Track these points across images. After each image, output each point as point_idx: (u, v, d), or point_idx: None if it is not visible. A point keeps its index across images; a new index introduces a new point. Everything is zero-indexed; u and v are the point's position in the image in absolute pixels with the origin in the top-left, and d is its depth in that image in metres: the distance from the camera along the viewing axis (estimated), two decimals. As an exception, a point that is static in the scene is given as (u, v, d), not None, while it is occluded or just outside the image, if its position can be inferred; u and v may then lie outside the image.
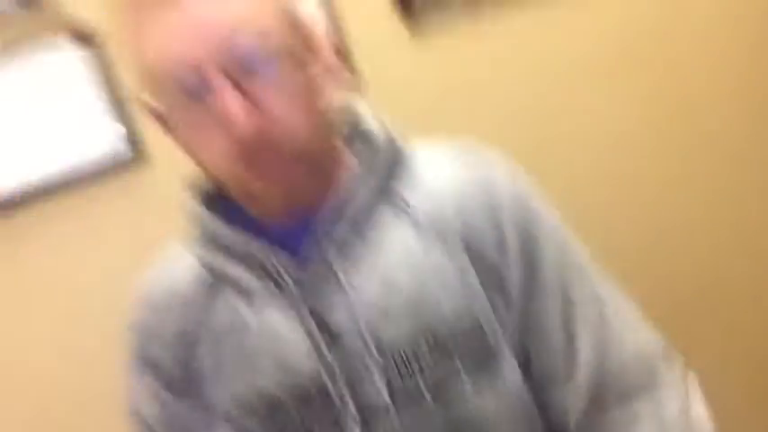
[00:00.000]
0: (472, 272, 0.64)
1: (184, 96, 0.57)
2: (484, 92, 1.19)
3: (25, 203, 1.10)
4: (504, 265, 0.65)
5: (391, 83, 1.15)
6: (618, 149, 1.27)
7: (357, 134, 0.69)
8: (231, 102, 0.55)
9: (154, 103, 0.62)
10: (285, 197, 0.61)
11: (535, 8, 1.20)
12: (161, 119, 0.64)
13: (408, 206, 0.65)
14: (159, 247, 0.73)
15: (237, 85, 0.56)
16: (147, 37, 0.58)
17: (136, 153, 1.11)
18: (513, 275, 0.65)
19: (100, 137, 1.10)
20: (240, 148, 0.57)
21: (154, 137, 0.97)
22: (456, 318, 0.63)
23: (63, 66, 1.08)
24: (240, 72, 0.56)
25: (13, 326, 1.13)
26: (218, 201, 0.68)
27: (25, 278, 1.13)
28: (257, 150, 0.57)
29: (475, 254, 0.65)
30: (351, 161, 0.68)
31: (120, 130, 1.10)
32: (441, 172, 0.67)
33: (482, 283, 0.64)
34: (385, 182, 0.66)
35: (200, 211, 0.68)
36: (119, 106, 1.09)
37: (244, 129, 0.55)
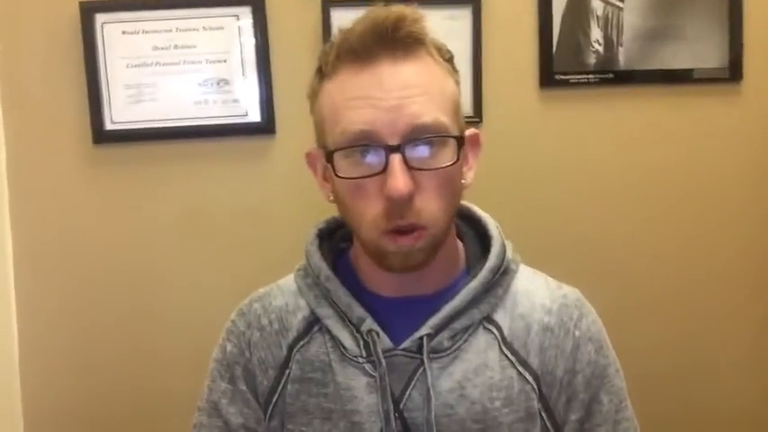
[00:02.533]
0: (534, 395, 0.70)
1: (358, 154, 0.65)
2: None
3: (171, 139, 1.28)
4: (566, 407, 0.72)
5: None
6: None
7: (471, 223, 0.78)
8: (397, 169, 0.63)
9: (330, 160, 0.68)
10: (403, 259, 0.67)
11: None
12: (324, 168, 0.71)
13: (498, 326, 0.72)
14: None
15: (405, 157, 0.63)
16: (339, 88, 0.66)
17: (268, 123, 1.28)
18: (571, 417, 0.72)
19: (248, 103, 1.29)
20: (389, 205, 0.64)
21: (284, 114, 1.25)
22: None
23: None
24: (410, 146, 0.64)
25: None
26: (338, 256, 0.77)
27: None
28: (401, 211, 0.64)
29: (543, 383, 0.71)
30: (455, 240, 0.76)
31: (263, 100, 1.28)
32: (536, 299, 0.74)
33: (541, 410, 0.71)
34: (487, 296, 0.72)
35: (318, 259, 0.75)
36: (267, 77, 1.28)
37: (400, 191, 0.62)
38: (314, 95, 0.71)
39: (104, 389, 1.29)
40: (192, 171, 1.29)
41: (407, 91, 0.64)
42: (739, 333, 1.39)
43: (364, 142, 0.64)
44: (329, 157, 0.66)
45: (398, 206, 0.63)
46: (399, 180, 0.62)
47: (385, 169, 0.63)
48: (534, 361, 0.71)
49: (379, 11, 0.65)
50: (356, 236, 0.72)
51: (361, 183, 0.65)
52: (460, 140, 0.67)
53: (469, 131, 0.72)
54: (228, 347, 0.77)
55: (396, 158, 0.63)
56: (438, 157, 0.65)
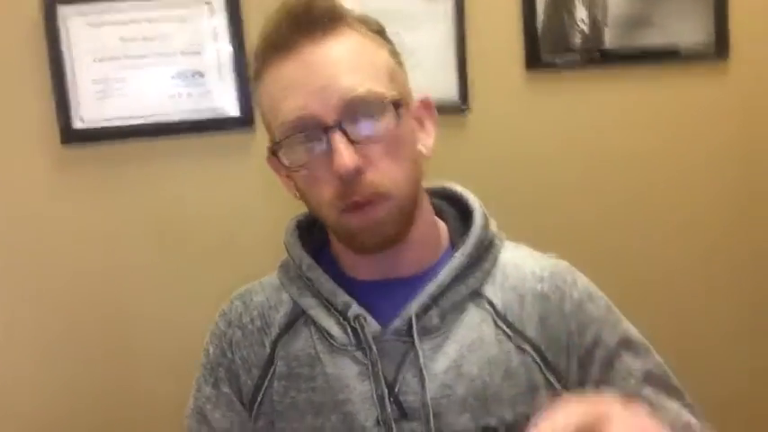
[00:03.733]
0: (536, 366, 0.69)
1: (302, 141, 0.64)
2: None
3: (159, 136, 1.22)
4: (581, 369, 0.70)
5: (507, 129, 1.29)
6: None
7: (452, 202, 0.77)
8: (340, 147, 0.62)
9: (276, 155, 0.68)
10: (374, 233, 0.66)
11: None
12: (281, 166, 0.69)
13: (489, 300, 0.71)
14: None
15: (345, 133, 0.63)
16: (270, 85, 0.66)
17: (246, 116, 1.23)
18: (590, 375, 0.70)
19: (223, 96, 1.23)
20: (341, 184, 0.63)
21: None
22: (513, 408, 0.67)
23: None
24: (348, 121, 0.63)
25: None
26: (319, 249, 0.75)
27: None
28: (354, 186, 0.63)
29: (549, 352, 0.69)
30: (432, 218, 0.74)
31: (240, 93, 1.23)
32: (525, 269, 0.73)
33: (546, 375, 0.69)
34: (473, 269, 0.71)
35: (299, 249, 0.74)
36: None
37: (346, 166, 0.62)
38: (257, 100, 0.71)
39: (78, 394, 1.23)
40: (168, 169, 1.23)
41: (334, 68, 0.64)
42: (728, 313, 1.39)
43: (302, 127, 0.64)
44: (274, 152, 0.66)
45: (350, 183, 0.63)
46: (344, 156, 0.62)
47: (329, 149, 0.63)
48: (533, 332, 0.69)
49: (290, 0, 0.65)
50: (324, 223, 0.71)
51: (312, 168, 0.65)
52: (397, 104, 0.65)
53: (419, 96, 0.72)
54: (211, 350, 0.75)
55: (336, 136, 0.63)
56: (379, 125, 0.65)
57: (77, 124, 1.19)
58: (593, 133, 1.32)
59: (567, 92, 1.31)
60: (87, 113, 1.20)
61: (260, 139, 1.24)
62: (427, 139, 0.71)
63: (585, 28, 1.31)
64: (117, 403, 1.24)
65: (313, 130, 0.63)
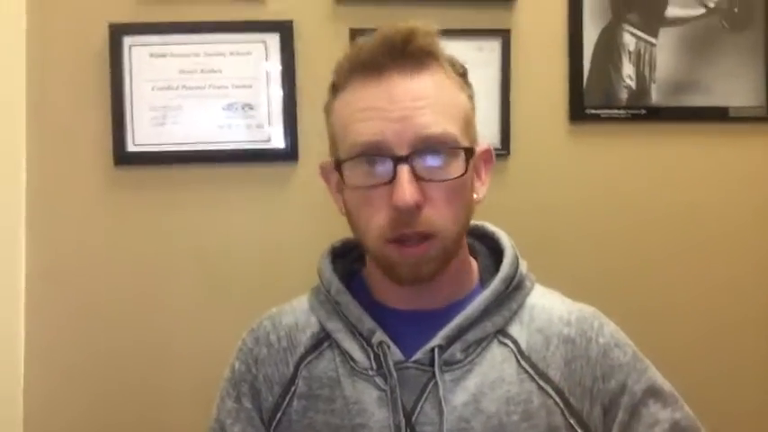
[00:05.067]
0: (557, 410, 0.68)
1: (369, 164, 0.66)
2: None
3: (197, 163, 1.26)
4: (604, 416, 0.69)
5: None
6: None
7: (485, 240, 0.78)
8: (404, 179, 0.63)
9: (339, 170, 0.70)
10: (413, 269, 0.67)
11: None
12: (335, 181, 0.72)
13: (513, 339, 0.70)
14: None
15: (413, 167, 0.64)
16: (350, 103, 0.67)
17: (291, 149, 1.26)
18: (615, 423, 0.69)
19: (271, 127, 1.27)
20: (396, 215, 0.64)
21: (307, 140, 1.24)
22: None
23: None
24: (418, 156, 0.64)
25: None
26: (351, 276, 0.77)
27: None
28: (408, 220, 0.64)
29: (572, 396, 0.69)
30: (467, 255, 0.75)
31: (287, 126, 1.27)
32: (553, 312, 0.73)
33: (567, 419, 0.68)
34: (500, 308, 0.71)
35: (329, 273, 0.75)
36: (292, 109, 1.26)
37: (406, 201, 0.63)
38: (328, 109, 0.72)
39: (109, 413, 1.25)
40: (213, 196, 1.27)
41: (416, 103, 0.65)
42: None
43: (372, 153, 0.65)
44: (338, 166, 0.67)
45: (405, 216, 0.64)
46: (406, 190, 0.62)
47: (393, 179, 0.64)
48: (556, 375, 0.69)
49: (392, 26, 0.66)
50: (365, 248, 0.72)
51: (369, 192, 0.65)
52: (469, 152, 0.67)
53: (482, 146, 0.72)
54: (237, 365, 0.77)
55: (403, 169, 0.63)
56: (447, 168, 0.65)
57: (131, 147, 1.25)
58: (634, 188, 1.31)
59: (609, 146, 1.31)
60: (141, 138, 1.25)
61: (302, 171, 1.27)
62: (482, 188, 0.72)
63: (632, 84, 1.31)
64: (144, 426, 1.25)
65: (382, 157, 0.64)
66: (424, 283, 0.68)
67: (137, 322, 1.25)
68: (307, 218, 1.27)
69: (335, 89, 0.70)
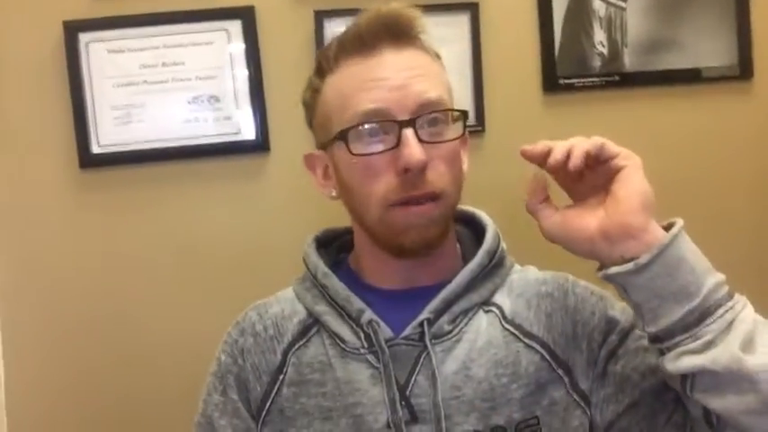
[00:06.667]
0: (545, 364, 0.70)
1: (371, 132, 0.68)
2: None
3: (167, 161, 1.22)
4: (591, 360, 0.70)
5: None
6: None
7: (465, 222, 0.80)
8: (411, 141, 0.66)
9: (320, 157, 0.75)
10: (420, 232, 0.68)
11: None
12: (323, 167, 0.75)
13: (497, 305, 0.73)
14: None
15: (416, 131, 0.67)
16: (346, 79, 0.69)
17: (263, 140, 1.23)
18: (603, 366, 0.70)
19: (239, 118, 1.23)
20: (403, 178, 0.66)
21: (279, 130, 1.21)
22: (522, 407, 0.68)
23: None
24: (420, 121, 0.67)
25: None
26: (337, 264, 0.78)
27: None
28: (414, 181, 0.66)
29: (557, 347, 0.71)
30: (454, 235, 0.77)
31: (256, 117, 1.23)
32: (528, 277, 0.77)
33: (556, 370, 0.70)
34: (485, 281, 0.74)
35: (315, 258, 0.76)
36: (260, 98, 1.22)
37: (417, 159, 0.65)
38: (314, 96, 0.73)
39: (92, 422, 1.22)
40: (185, 193, 1.24)
41: (412, 71, 0.68)
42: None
43: (377, 119, 0.67)
44: (343, 135, 0.68)
45: (413, 177, 0.66)
46: (415, 150, 0.65)
47: (398, 144, 0.66)
48: (540, 330, 0.71)
49: (380, 6, 0.69)
50: (363, 225, 0.73)
51: (373, 161, 0.67)
52: (465, 116, 0.71)
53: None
54: (223, 358, 0.77)
55: (409, 132, 0.66)
56: (446, 131, 0.69)
57: (96, 149, 1.21)
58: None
59: (584, 114, 1.30)
60: (106, 138, 1.21)
61: (275, 162, 1.24)
62: (465, 161, 0.75)
63: (604, 50, 1.29)
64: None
65: (385, 123, 0.67)
66: (423, 251, 0.70)
67: (115, 322, 1.22)
68: (283, 209, 1.24)
69: (322, 73, 0.72)
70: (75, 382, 1.22)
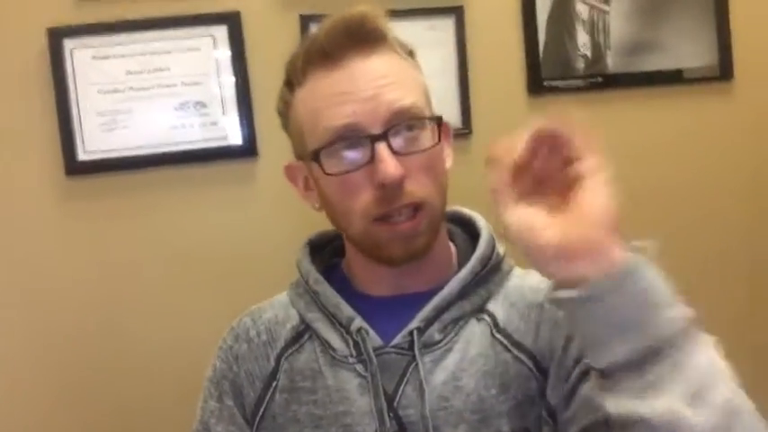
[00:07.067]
0: (532, 376, 0.67)
1: (345, 148, 0.66)
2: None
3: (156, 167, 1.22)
4: (565, 375, 0.66)
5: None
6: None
7: (461, 225, 0.78)
8: (385, 155, 0.64)
9: (299, 167, 0.73)
10: (405, 244, 0.67)
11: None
12: (303, 178, 0.73)
13: (490, 314, 0.71)
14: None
15: (389, 144, 0.64)
16: (315, 92, 0.67)
17: (250, 145, 1.23)
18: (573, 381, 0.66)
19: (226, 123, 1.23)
20: (381, 193, 0.65)
21: (266, 134, 1.21)
22: (510, 420, 0.66)
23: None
24: (393, 132, 0.65)
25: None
26: (331, 269, 0.77)
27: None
28: (393, 194, 0.65)
29: (542, 358, 0.68)
30: (447, 239, 0.75)
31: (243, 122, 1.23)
32: (524, 285, 0.73)
33: (540, 384, 0.67)
34: (478, 288, 0.71)
35: (308, 264, 0.76)
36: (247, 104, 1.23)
37: (391, 174, 0.63)
38: (286, 108, 0.72)
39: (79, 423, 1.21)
40: (172, 199, 1.23)
41: (381, 80, 0.66)
42: (739, 341, 1.35)
43: (347, 135, 0.65)
44: (316, 156, 0.66)
45: (390, 191, 0.64)
46: (389, 165, 0.63)
47: (372, 159, 0.64)
48: (528, 341, 0.69)
49: (341, 13, 0.67)
50: (347, 237, 0.72)
51: (349, 178, 0.66)
52: (439, 121, 0.68)
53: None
54: (218, 364, 0.77)
55: (382, 146, 0.64)
56: (421, 139, 0.67)
57: (82, 156, 1.20)
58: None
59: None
60: (91, 145, 1.20)
61: (263, 167, 1.24)
62: (449, 161, 0.74)
63: (588, 53, 1.31)
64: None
65: (358, 138, 0.65)
66: (412, 260, 0.68)
67: (103, 330, 1.21)
68: (272, 214, 1.24)
69: (291, 86, 0.70)
70: (64, 393, 1.21)
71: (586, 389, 0.63)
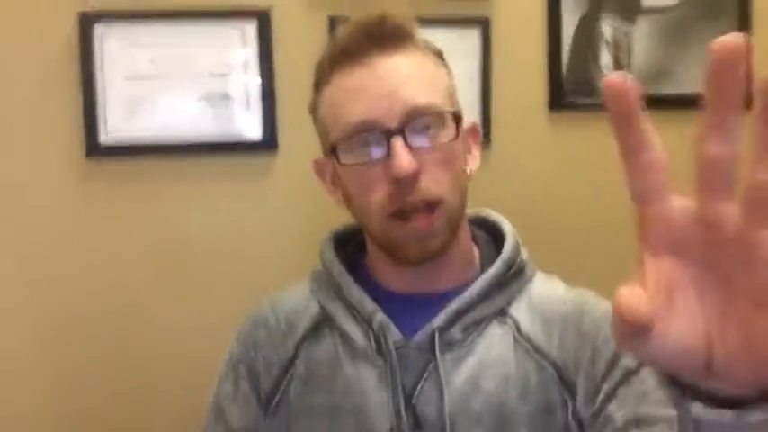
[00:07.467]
0: (555, 386, 0.68)
1: (362, 143, 0.66)
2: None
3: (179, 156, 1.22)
4: (593, 388, 0.66)
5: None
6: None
7: (486, 229, 0.78)
8: (399, 150, 0.64)
9: (335, 153, 0.71)
10: (421, 245, 0.67)
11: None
12: (330, 174, 0.74)
13: (513, 318, 0.71)
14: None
15: (405, 139, 0.65)
16: (337, 89, 0.69)
17: (270, 139, 1.23)
18: (600, 397, 0.66)
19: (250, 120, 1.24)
20: (396, 188, 0.65)
21: (287, 130, 1.22)
22: (529, 426, 0.66)
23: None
24: (409, 129, 0.65)
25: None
26: (355, 263, 0.77)
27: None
28: (408, 190, 0.65)
29: (566, 370, 0.68)
30: (469, 241, 0.75)
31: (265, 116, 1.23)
32: (550, 293, 0.73)
33: (563, 394, 0.67)
34: (501, 291, 0.71)
35: (331, 255, 0.76)
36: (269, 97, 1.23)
37: (405, 169, 0.63)
38: (315, 105, 0.73)
39: (88, 419, 1.21)
40: (190, 188, 1.24)
41: (400, 78, 0.67)
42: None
43: (364, 130, 0.66)
44: (333, 149, 0.68)
45: (405, 187, 0.64)
46: (403, 160, 0.63)
47: (388, 154, 0.65)
48: (553, 350, 0.69)
49: (363, 15, 0.69)
50: (367, 232, 0.73)
51: (366, 171, 0.66)
52: (457, 117, 0.68)
53: (468, 122, 0.72)
54: (235, 347, 0.77)
55: (397, 141, 0.64)
56: (438, 135, 0.67)
57: (103, 138, 1.21)
58: (615, 176, 1.31)
59: (589, 135, 1.31)
60: (114, 129, 1.22)
61: (282, 162, 1.25)
62: (473, 163, 0.74)
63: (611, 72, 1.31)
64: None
65: (374, 133, 0.66)
66: (431, 260, 0.68)
67: (115, 312, 1.21)
68: (288, 208, 1.25)
69: (318, 87, 0.72)
70: (83, 374, 1.21)
71: (612, 408, 0.64)
